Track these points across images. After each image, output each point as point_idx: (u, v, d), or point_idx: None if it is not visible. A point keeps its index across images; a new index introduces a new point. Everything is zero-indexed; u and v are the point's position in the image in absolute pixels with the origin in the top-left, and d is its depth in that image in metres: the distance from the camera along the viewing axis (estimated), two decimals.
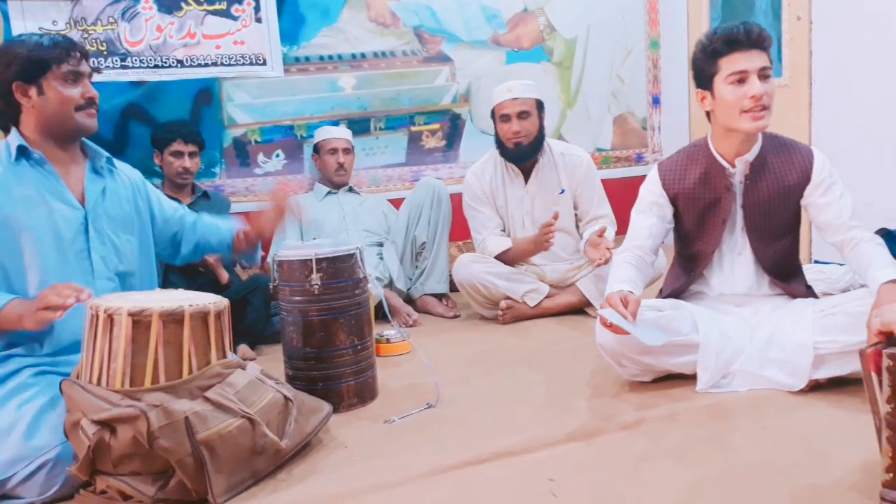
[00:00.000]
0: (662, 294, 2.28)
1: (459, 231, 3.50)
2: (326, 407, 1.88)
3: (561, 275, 3.14)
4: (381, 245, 3.43)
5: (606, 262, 2.74)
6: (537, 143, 3.07)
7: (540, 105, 3.09)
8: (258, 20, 3.53)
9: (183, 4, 3.41)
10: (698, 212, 2.15)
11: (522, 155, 3.08)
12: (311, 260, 2.04)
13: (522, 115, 3.02)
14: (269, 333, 2.85)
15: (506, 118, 3.05)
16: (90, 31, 3.28)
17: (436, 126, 3.95)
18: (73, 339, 1.77)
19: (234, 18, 3.49)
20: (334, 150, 3.47)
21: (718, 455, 1.63)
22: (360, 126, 3.78)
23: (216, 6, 3.46)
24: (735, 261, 2.17)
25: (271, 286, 2.16)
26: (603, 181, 3.27)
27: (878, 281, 1.82)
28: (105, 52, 3.29)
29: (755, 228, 2.12)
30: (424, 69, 3.89)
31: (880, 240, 1.98)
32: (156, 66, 3.40)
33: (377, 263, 3.30)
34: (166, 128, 3.21)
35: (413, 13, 3.84)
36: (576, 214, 3.22)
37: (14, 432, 1.57)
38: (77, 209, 1.84)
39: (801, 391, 1.92)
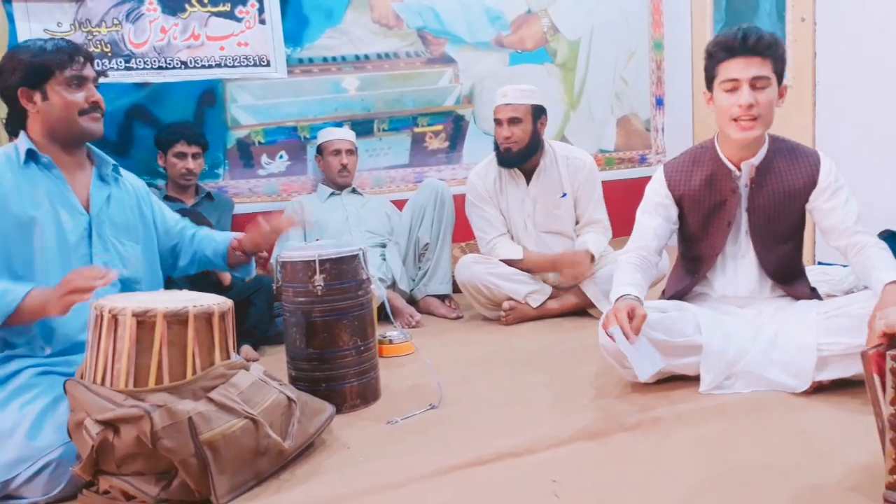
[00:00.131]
0: (665, 295, 2.28)
1: (462, 232, 3.50)
2: (329, 408, 1.88)
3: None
4: (384, 246, 3.44)
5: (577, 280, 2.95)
6: (529, 149, 3.06)
7: (537, 111, 3.06)
8: (262, 22, 3.53)
9: (187, 6, 3.42)
10: (703, 214, 2.15)
11: (511, 160, 3.08)
12: (314, 261, 2.04)
13: (513, 121, 3.01)
14: (273, 334, 2.86)
15: (498, 122, 3.06)
16: (94, 33, 3.29)
17: (439, 127, 3.96)
18: (75, 340, 1.78)
19: (238, 20, 3.50)
20: (338, 152, 3.48)
21: (721, 456, 1.62)
22: (363, 127, 3.78)
23: (220, 8, 3.47)
24: (738, 264, 2.17)
25: (274, 287, 2.16)
26: (606, 182, 3.27)
27: (883, 282, 1.82)
28: (109, 54, 3.30)
29: (759, 232, 2.11)
30: (428, 71, 3.90)
31: (884, 244, 1.98)
32: (160, 68, 3.40)
33: (380, 264, 3.30)
34: (170, 129, 3.22)
35: (417, 15, 3.84)
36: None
37: (17, 433, 1.57)
38: (82, 215, 1.85)
39: (805, 393, 1.92)
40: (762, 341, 2.01)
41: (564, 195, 3.14)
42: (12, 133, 1.87)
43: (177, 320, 1.56)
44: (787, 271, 2.16)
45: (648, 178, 2.29)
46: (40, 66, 1.79)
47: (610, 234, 3.16)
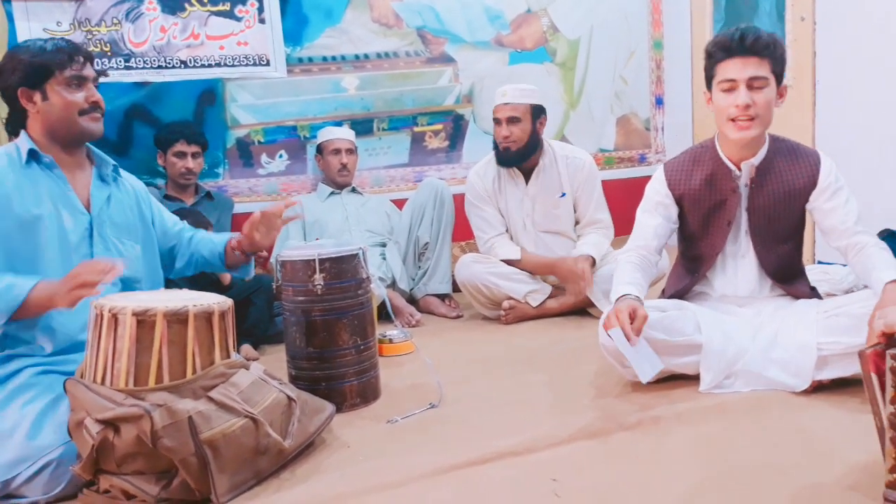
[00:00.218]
0: (665, 294, 2.29)
1: (462, 231, 3.50)
2: (329, 407, 1.88)
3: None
4: (383, 245, 3.44)
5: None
6: (528, 149, 3.06)
7: (536, 110, 3.06)
8: (261, 21, 3.53)
9: (186, 5, 3.42)
10: (703, 213, 2.15)
11: (509, 159, 3.08)
12: (314, 260, 2.04)
13: (512, 120, 3.01)
14: (272, 333, 2.86)
15: (497, 122, 3.06)
16: (94, 32, 3.29)
17: (439, 127, 3.96)
18: (75, 339, 1.78)
19: (238, 19, 3.50)
20: (337, 151, 3.48)
21: (721, 455, 1.62)
22: (363, 127, 3.78)
23: (220, 7, 3.47)
24: (738, 264, 2.17)
25: (274, 286, 2.16)
26: (606, 182, 3.27)
27: (883, 281, 1.82)
28: (109, 53, 3.30)
29: (759, 232, 2.12)
30: (427, 70, 3.90)
31: (884, 244, 1.98)
32: (159, 67, 3.40)
33: (380, 264, 3.31)
34: (170, 128, 3.22)
35: (416, 14, 3.84)
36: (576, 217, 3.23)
37: (17, 432, 1.58)
38: (83, 214, 1.86)
39: (804, 392, 1.92)
40: (762, 340, 2.01)
41: (563, 195, 3.14)
42: (12, 133, 1.87)
43: (177, 319, 1.56)
44: (786, 271, 2.16)
45: (648, 178, 2.29)
46: (40, 65, 1.79)
47: (612, 235, 3.16)
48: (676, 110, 4.33)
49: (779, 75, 1.99)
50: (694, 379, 2.03)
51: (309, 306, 2.06)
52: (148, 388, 1.52)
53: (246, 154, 3.65)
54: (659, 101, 4.40)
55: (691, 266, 2.24)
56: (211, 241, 2.16)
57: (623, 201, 3.22)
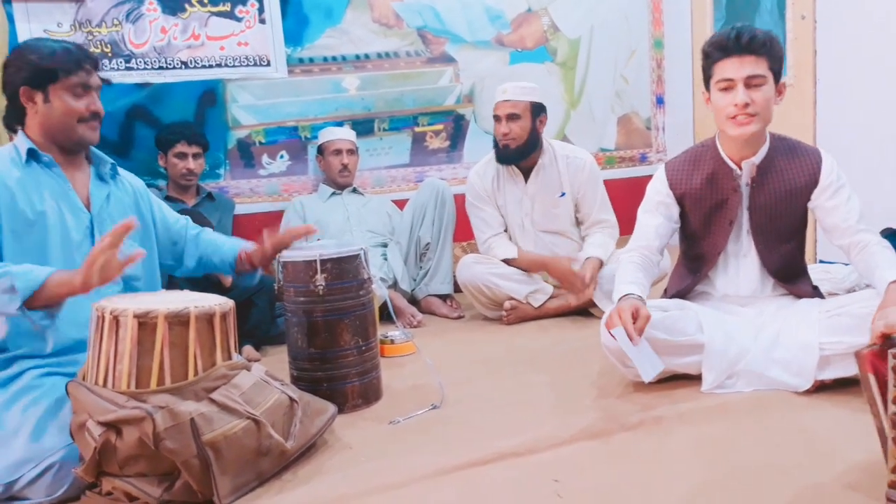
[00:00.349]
0: (667, 294, 2.29)
1: (463, 232, 3.49)
2: (331, 408, 1.88)
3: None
4: (385, 246, 3.44)
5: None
6: (527, 146, 3.05)
7: (536, 108, 3.05)
8: (262, 21, 3.53)
9: (187, 6, 3.42)
10: (705, 212, 2.15)
11: (509, 157, 3.08)
12: (315, 261, 2.04)
13: (512, 117, 3.01)
14: (274, 334, 2.86)
15: (497, 119, 3.06)
16: (94, 33, 3.29)
17: (439, 127, 3.96)
18: (77, 338, 1.77)
19: (238, 20, 3.50)
20: (338, 151, 3.48)
21: (723, 455, 1.62)
22: (363, 127, 3.78)
23: (220, 7, 3.46)
24: (740, 263, 2.17)
25: (276, 287, 2.16)
26: (607, 181, 3.27)
27: (886, 281, 1.82)
28: (109, 54, 3.29)
29: (761, 231, 2.11)
30: (428, 70, 3.90)
31: (887, 242, 1.97)
32: (160, 68, 3.40)
33: (381, 264, 3.30)
34: (170, 129, 3.22)
35: (417, 14, 3.84)
36: (576, 217, 3.22)
37: (20, 434, 1.58)
38: (84, 213, 1.86)
39: (806, 392, 1.92)
40: (764, 340, 2.01)
41: (563, 194, 3.14)
42: (7, 127, 1.87)
43: (178, 321, 1.56)
44: (789, 270, 2.16)
45: (649, 177, 2.29)
46: (47, 68, 1.79)
47: (617, 234, 3.15)
48: (677, 109, 4.33)
49: (776, 72, 1.99)
50: (696, 379, 2.03)
51: (310, 307, 2.06)
52: (149, 391, 1.52)
53: (247, 155, 3.65)
54: (660, 101, 4.40)
55: (693, 266, 2.24)
56: (221, 251, 2.15)
57: (624, 201, 3.22)
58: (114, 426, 1.49)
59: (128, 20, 3.34)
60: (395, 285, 3.28)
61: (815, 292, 2.17)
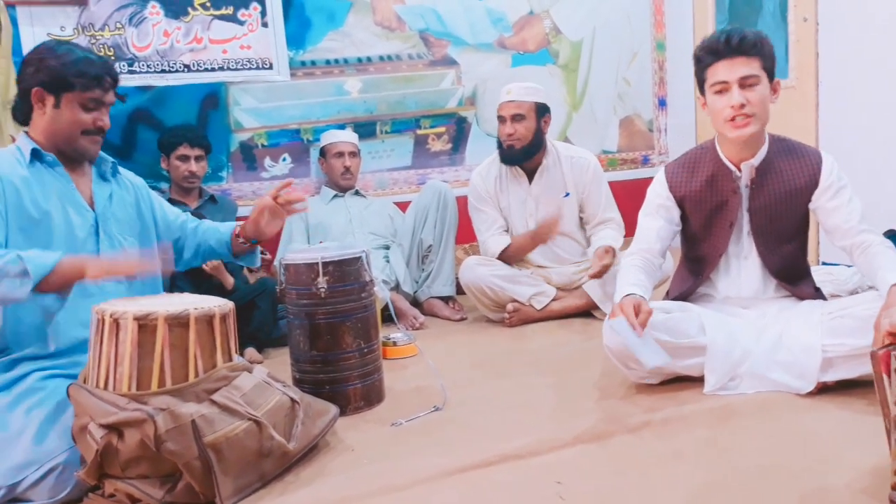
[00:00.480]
0: (669, 296, 2.28)
1: (466, 234, 3.49)
2: (333, 409, 1.88)
3: (567, 277, 3.14)
4: (387, 248, 3.44)
5: (599, 276, 2.86)
6: (532, 147, 3.06)
7: (540, 109, 3.06)
8: (264, 25, 3.54)
9: (190, 9, 3.43)
10: (705, 215, 2.15)
11: (513, 157, 3.08)
12: (317, 263, 2.04)
13: (516, 118, 3.02)
14: (276, 336, 2.86)
15: (502, 119, 3.06)
16: (97, 37, 3.30)
17: (441, 129, 3.96)
18: (79, 337, 1.78)
19: (241, 23, 3.51)
20: (340, 154, 3.48)
21: (726, 457, 1.62)
22: (366, 129, 3.79)
23: (223, 11, 3.47)
24: (741, 264, 2.16)
25: (278, 289, 2.16)
26: (609, 183, 3.27)
27: (888, 283, 1.81)
28: (112, 58, 3.30)
29: (762, 232, 2.11)
30: (430, 72, 3.90)
31: (890, 243, 1.97)
32: (163, 71, 3.41)
33: (383, 266, 3.31)
34: (173, 132, 3.23)
35: (419, 17, 3.84)
36: (581, 218, 3.22)
37: (23, 437, 1.58)
38: (88, 212, 1.87)
39: (810, 393, 1.91)
40: (766, 342, 2.00)
41: (567, 195, 3.14)
42: (22, 122, 1.88)
43: (178, 323, 1.56)
44: (791, 271, 2.15)
45: (651, 179, 2.28)
46: (65, 78, 1.79)
47: (623, 231, 3.14)
48: (679, 111, 4.32)
49: (770, 71, 1.98)
50: (698, 381, 2.03)
51: (312, 309, 2.06)
52: (150, 392, 1.53)
53: (249, 157, 3.65)
54: (662, 103, 4.40)
55: (695, 268, 2.24)
56: (217, 231, 2.16)
57: (626, 203, 3.21)
58: (115, 428, 1.49)
59: (131, 24, 3.35)
60: (397, 287, 3.28)
61: (818, 294, 2.16)
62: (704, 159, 2.14)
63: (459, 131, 3.99)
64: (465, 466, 1.65)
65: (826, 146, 3.25)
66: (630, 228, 2.35)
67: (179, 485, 1.51)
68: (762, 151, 2.07)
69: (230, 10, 3.48)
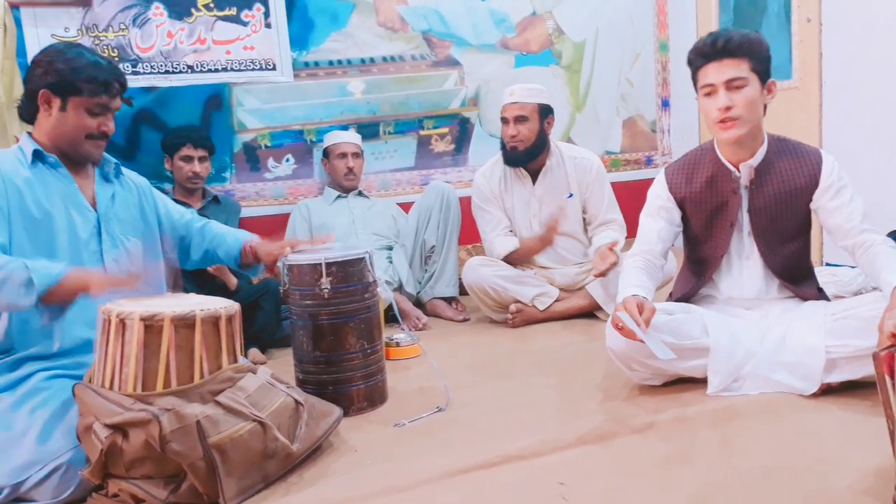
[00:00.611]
0: (672, 297, 2.28)
1: (469, 234, 3.50)
2: (337, 410, 1.88)
3: (570, 278, 3.14)
4: (390, 249, 3.44)
5: (604, 274, 2.85)
6: (535, 148, 3.05)
7: (543, 110, 3.06)
8: (268, 26, 3.55)
9: (193, 10, 3.44)
10: (706, 215, 2.15)
11: (517, 159, 3.08)
12: (320, 264, 2.04)
13: (519, 119, 3.01)
14: (280, 337, 2.86)
15: (505, 121, 3.06)
16: (101, 38, 3.30)
17: (445, 130, 3.96)
18: (84, 337, 1.78)
19: (244, 24, 3.52)
20: (343, 155, 3.49)
21: (729, 458, 1.62)
22: (369, 130, 3.79)
23: (226, 12, 3.48)
24: (743, 265, 2.16)
25: (281, 290, 2.16)
26: (612, 184, 3.26)
27: (891, 284, 1.80)
28: (116, 59, 3.31)
29: (762, 233, 2.11)
30: (433, 73, 3.90)
31: (892, 242, 1.96)
32: (166, 72, 3.42)
33: (387, 267, 3.31)
34: (176, 133, 3.23)
35: (422, 18, 3.85)
36: (584, 218, 3.22)
37: (28, 436, 1.58)
38: (90, 212, 1.87)
39: (813, 395, 1.91)
40: (770, 343, 2.00)
41: (571, 196, 3.14)
42: (28, 121, 1.88)
43: (184, 324, 1.57)
44: (794, 271, 2.15)
45: (654, 180, 2.28)
46: (73, 83, 1.79)
47: (625, 233, 3.15)
48: (682, 112, 4.32)
49: (760, 72, 1.98)
50: (701, 382, 2.03)
51: (316, 310, 2.06)
52: (156, 393, 1.53)
53: (253, 158, 3.66)
54: (665, 103, 4.40)
55: (697, 269, 2.24)
56: (225, 243, 2.17)
57: (629, 204, 3.21)
58: (120, 428, 1.49)
59: (134, 24, 3.36)
60: (400, 288, 3.29)
61: (821, 294, 2.16)
62: (704, 160, 2.14)
63: (462, 132, 3.99)
64: (469, 467, 1.66)
65: (829, 147, 3.24)
66: (632, 229, 2.35)
67: (183, 485, 1.52)
68: (761, 152, 2.07)
69: (233, 11, 3.49)
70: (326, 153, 3.56)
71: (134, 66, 3.36)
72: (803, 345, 1.94)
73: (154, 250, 2.05)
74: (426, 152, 3.95)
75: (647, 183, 2.30)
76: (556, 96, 3.86)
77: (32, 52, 2.92)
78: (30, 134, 1.86)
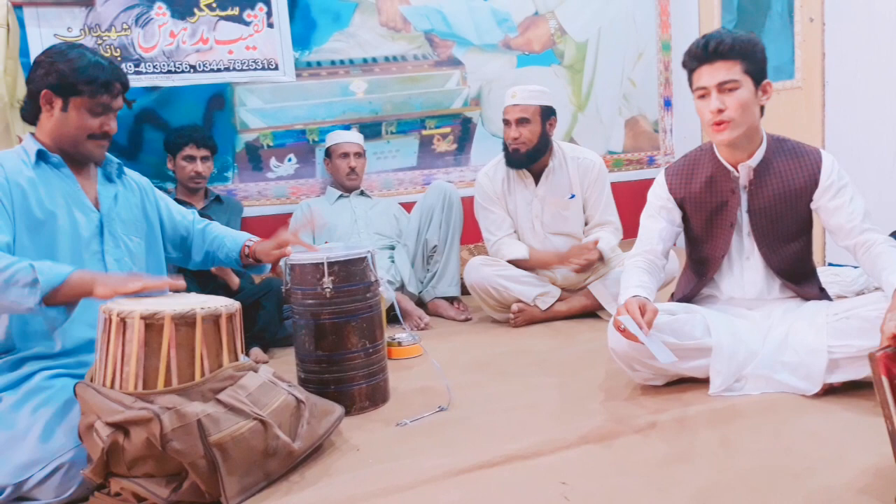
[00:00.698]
0: (674, 298, 2.28)
1: (471, 234, 3.50)
2: (338, 409, 1.88)
3: (572, 278, 3.13)
4: (392, 248, 3.44)
5: (582, 270, 2.93)
6: (537, 150, 3.05)
7: (545, 112, 3.05)
8: (270, 25, 3.55)
9: (196, 10, 3.44)
10: (706, 216, 2.15)
11: (519, 161, 3.07)
12: (322, 263, 2.05)
13: (521, 121, 3.01)
14: (282, 336, 2.87)
15: (506, 123, 3.06)
16: (104, 38, 3.31)
17: (447, 130, 3.96)
18: (86, 337, 1.78)
19: (247, 24, 3.52)
20: (346, 155, 3.49)
21: (731, 458, 1.62)
22: (371, 130, 3.80)
23: (229, 12, 3.49)
24: (744, 265, 2.16)
25: (283, 289, 2.16)
26: (614, 184, 3.27)
27: (893, 285, 1.80)
28: (119, 58, 3.32)
29: (763, 233, 2.11)
30: (435, 73, 3.90)
31: (894, 242, 1.96)
32: (169, 72, 3.43)
33: (389, 267, 3.31)
34: (179, 132, 3.24)
35: (424, 17, 3.85)
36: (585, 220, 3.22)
37: (30, 435, 1.59)
38: (93, 212, 1.87)
39: (815, 395, 1.91)
40: (772, 343, 2.00)
41: (573, 196, 3.14)
42: (30, 122, 1.89)
43: (184, 322, 1.57)
44: (796, 271, 2.14)
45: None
46: (74, 83, 1.79)
47: (621, 235, 3.15)
48: (685, 112, 4.32)
49: (754, 74, 1.97)
50: (704, 382, 2.03)
51: (318, 309, 2.06)
52: (157, 392, 1.53)
53: (255, 158, 3.66)
54: (667, 103, 4.39)
55: (699, 269, 2.24)
56: (225, 246, 2.17)
57: (631, 204, 3.21)
58: (121, 427, 1.49)
59: (137, 24, 3.37)
60: (402, 288, 3.29)
61: (823, 294, 2.15)
62: (703, 161, 2.15)
63: (465, 132, 3.99)
64: (470, 467, 1.65)
65: (832, 146, 3.24)
66: (634, 230, 2.34)
67: (185, 484, 1.52)
68: (759, 153, 2.06)
69: (236, 11, 3.49)
70: (329, 153, 3.56)
71: (136, 65, 3.37)
72: (805, 345, 1.93)
73: (156, 250, 2.06)
74: (428, 152, 3.95)
75: (650, 183, 2.30)
76: (558, 96, 3.86)
77: (35, 51, 2.93)
78: (33, 134, 1.87)
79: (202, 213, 2.91)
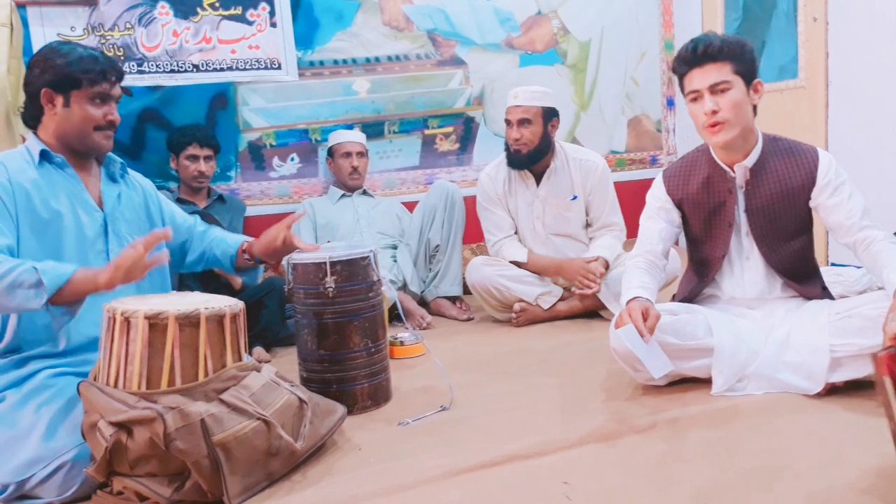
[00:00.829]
0: (676, 298, 2.28)
1: (473, 234, 3.50)
2: (340, 409, 1.89)
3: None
4: (394, 248, 3.44)
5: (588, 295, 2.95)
6: (538, 151, 3.04)
7: (548, 113, 3.04)
8: (273, 25, 3.55)
9: (199, 10, 3.44)
10: (704, 217, 2.16)
11: (520, 162, 3.07)
12: (325, 263, 2.05)
13: (523, 122, 3.00)
14: (284, 336, 2.87)
15: (508, 123, 3.06)
16: (107, 37, 3.32)
17: (449, 129, 3.96)
18: (90, 335, 1.79)
19: (250, 23, 3.52)
20: (348, 154, 3.49)
21: (733, 458, 1.62)
22: (374, 129, 3.80)
23: (232, 11, 3.49)
24: (744, 265, 2.16)
25: (286, 289, 2.17)
26: (617, 184, 3.26)
27: (894, 283, 1.80)
28: (122, 58, 3.32)
29: (762, 233, 2.11)
30: (438, 72, 3.90)
31: (895, 238, 1.96)
32: (172, 71, 3.43)
33: (391, 266, 3.31)
34: (182, 132, 3.24)
35: (427, 17, 3.85)
36: (586, 220, 3.21)
37: (33, 434, 1.59)
38: (97, 212, 1.88)
39: (817, 394, 1.91)
40: (774, 343, 2.00)
41: (575, 198, 3.13)
42: (31, 127, 1.89)
43: (188, 322, 1.57)
44: (797, 270, 2.14)
45: None
46: (71, 75, 1.80)
47: (624, 237, 3.15)
48: (688, 112, 4.30)
49: (745, 74, 1.98)
50: (706, 382, 2.03)
51: (320, 309, 2.06)
52: (160, 391, 1.53)
53: (258, 157, 3.67)
54: (670, 103, 4.39)
55: (700, 270, 2.24)
56: (224, 242, 2.17)
57: (634, 203, 3.19)
58: (125, 426, 1.50)
59: (140, 24, 3.37)
60: (404, 287, 3.29)
61: (825, 293, 2.15)
62: (700, 162, 2.15)
63: (467, 131, 3.99)
64: (472, 466, 1.66)
65: (835, 146, 3.24)
66: (635, 230, 2.35)
67: (188, 483, 1.52)
68: (755, 153, 2.07)
69: (239, 11, 3.50)
70: (331, 152, 3.56)
71: (139, 65, 3.38)
72: (808, 344, 1.93)
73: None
74: (431, 151, 3.95)
75: (652, 183, 2.31)
76: (560, 96, 3.86)
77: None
78: (36, 134, 1.87)
79: (205, 213, 2.93)
